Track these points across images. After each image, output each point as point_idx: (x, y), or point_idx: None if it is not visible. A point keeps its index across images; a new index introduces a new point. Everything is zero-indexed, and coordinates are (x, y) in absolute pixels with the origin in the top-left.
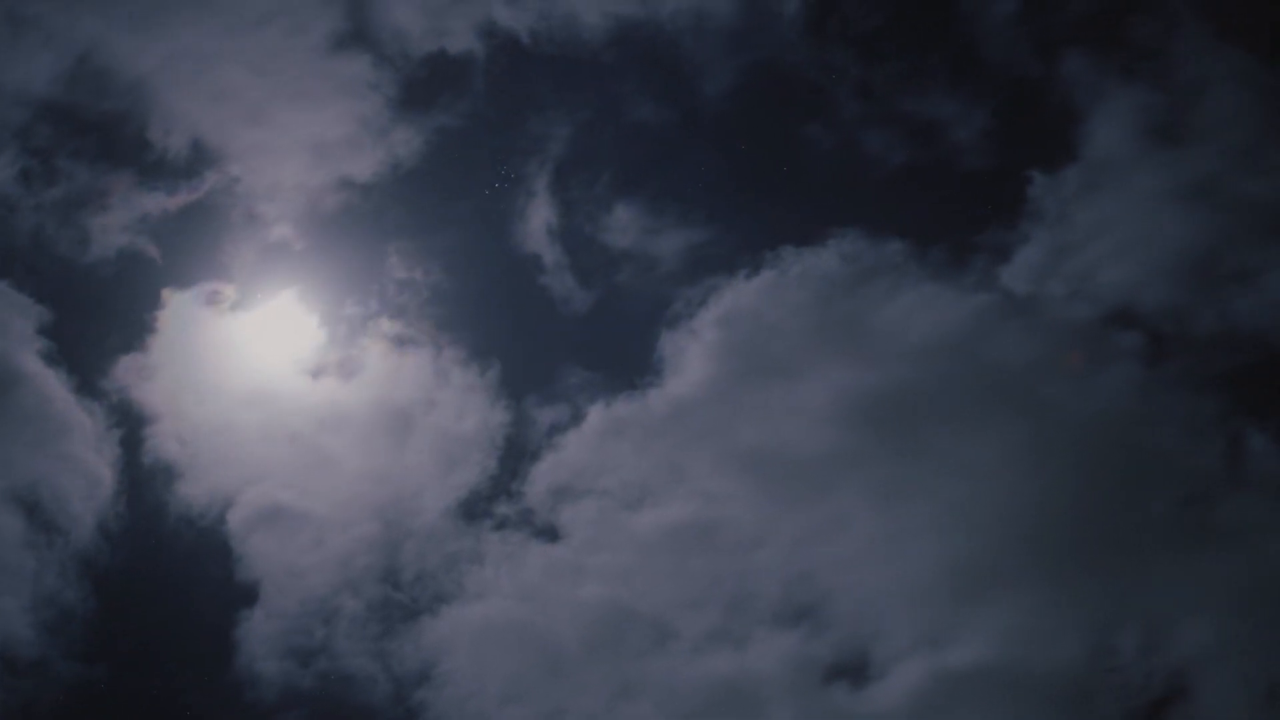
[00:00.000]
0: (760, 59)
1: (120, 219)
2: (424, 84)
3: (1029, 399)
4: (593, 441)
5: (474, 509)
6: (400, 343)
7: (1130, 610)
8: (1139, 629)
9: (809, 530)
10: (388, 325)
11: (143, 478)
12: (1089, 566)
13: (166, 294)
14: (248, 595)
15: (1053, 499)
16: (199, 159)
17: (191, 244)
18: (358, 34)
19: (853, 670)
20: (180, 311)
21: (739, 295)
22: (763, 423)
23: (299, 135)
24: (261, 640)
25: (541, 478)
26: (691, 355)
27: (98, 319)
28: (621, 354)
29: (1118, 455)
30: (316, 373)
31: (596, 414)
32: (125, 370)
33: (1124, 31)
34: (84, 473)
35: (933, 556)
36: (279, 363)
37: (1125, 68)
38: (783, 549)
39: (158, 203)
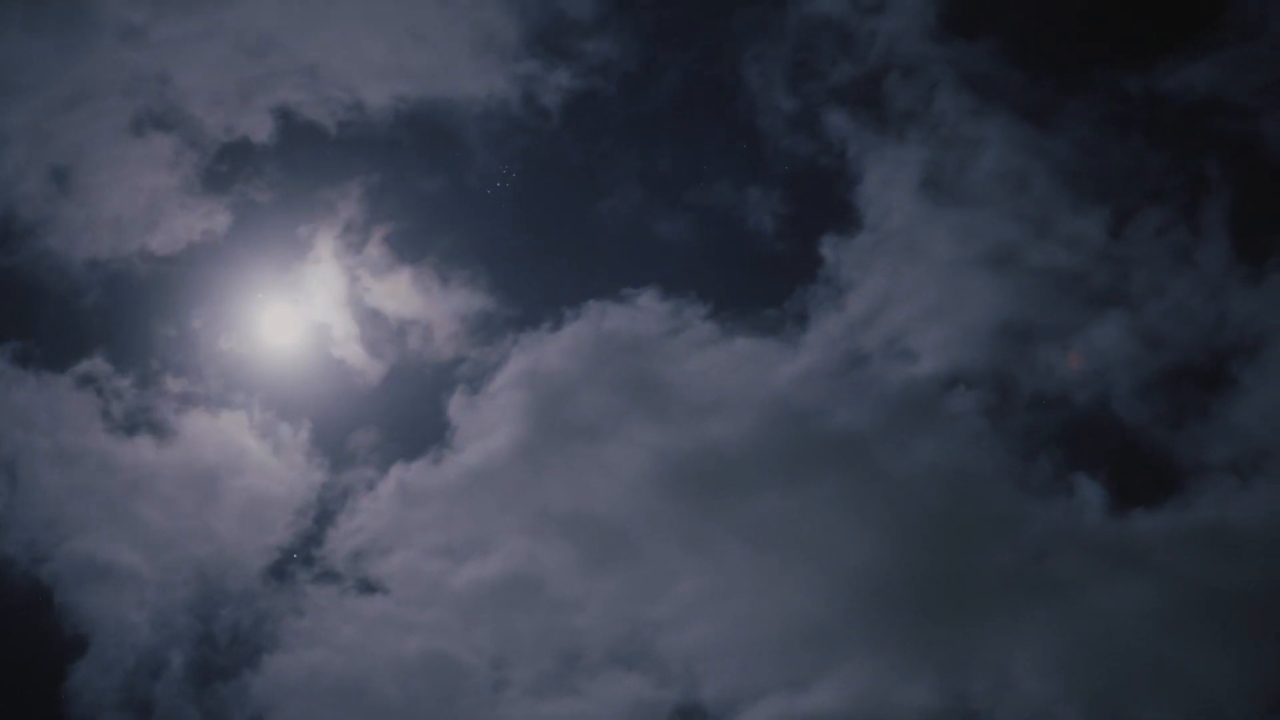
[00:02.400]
0: (535, 145)
1: None
2: (222, 162)
3: (858, 458)
4: (401, 501)
5: (291, 565)
6: (209, 406)
7: (978, 661)
8: (987, 679)
9: (634, 587)
10: (191, 388)
11: None
12: (934, 619)
13: None
14: (74, 649)
15: (885, 555)
16: (11, 227)
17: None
18: (161, 118)
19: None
20: None
21: (537, 356)
22: (570, 481)
23: (108, 207)
24: (91, 693)
25: (352, 536)
26: (490, 415)
27: None
28: (418, 417)
29: (949, 511)
30: (129, 433)
31: (399, 475)
32: None
33: (886, 98)
34: None
35: (768, 611)
36: (91, 423)
37: (897, 132)
38: (608, 604)
39: None
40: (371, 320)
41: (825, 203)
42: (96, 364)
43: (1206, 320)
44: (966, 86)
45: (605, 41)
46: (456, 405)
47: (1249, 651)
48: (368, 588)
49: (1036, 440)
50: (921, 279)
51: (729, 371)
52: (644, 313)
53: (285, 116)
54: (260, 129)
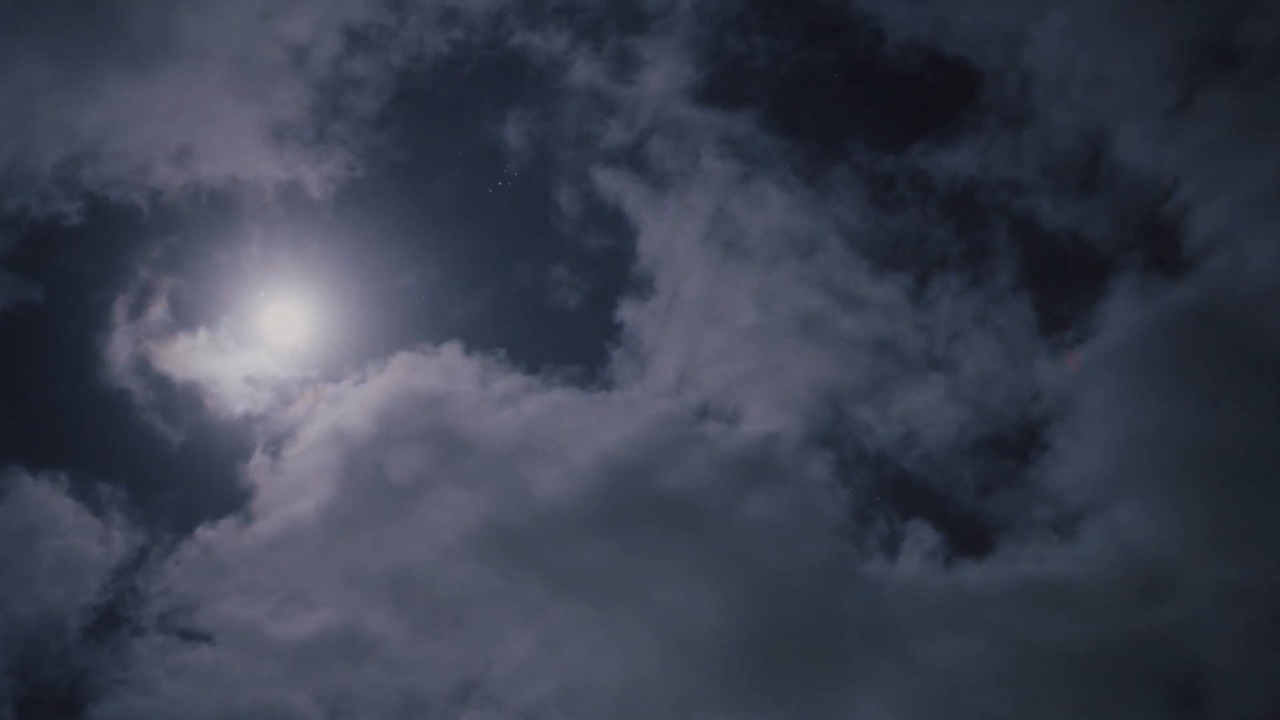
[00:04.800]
0: (318, 226)
1: None
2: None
3: (682, 515)
4: (211, 561)
5: (110, 622)
6: (25, 468)
7: (816, 714)
8: None
9: (465, 643)
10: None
11: None
12: (771, 672)
13: None
14: None
15: (718, 610)
16: None
17: None
18: None
19: None
20: None
21: (341, 413)
22: (388, 538)
23: None
24: None
25: (164, 596)
26: (295, 474)
27: None
28: (223, 478)
29: (780, 567)
30: None
31: (207, 535)
32: None
33: (656, 161)
34: None
35: (605, 667)
36: None
37: (677, 194)
38: (441, 660)
39: None
40: (170, 384)
41: (615, 267)
42: None
43: (1016, 386)
44: (732, 153)
45: (385, 134)
46: (260, 465)
47: (1075, 704)
48: (192, 641)
49: (863, 499)
50: (728, 342)
51: (543, 426)
52: (449, 367)
53: (82, 194)
54: (57, 205)
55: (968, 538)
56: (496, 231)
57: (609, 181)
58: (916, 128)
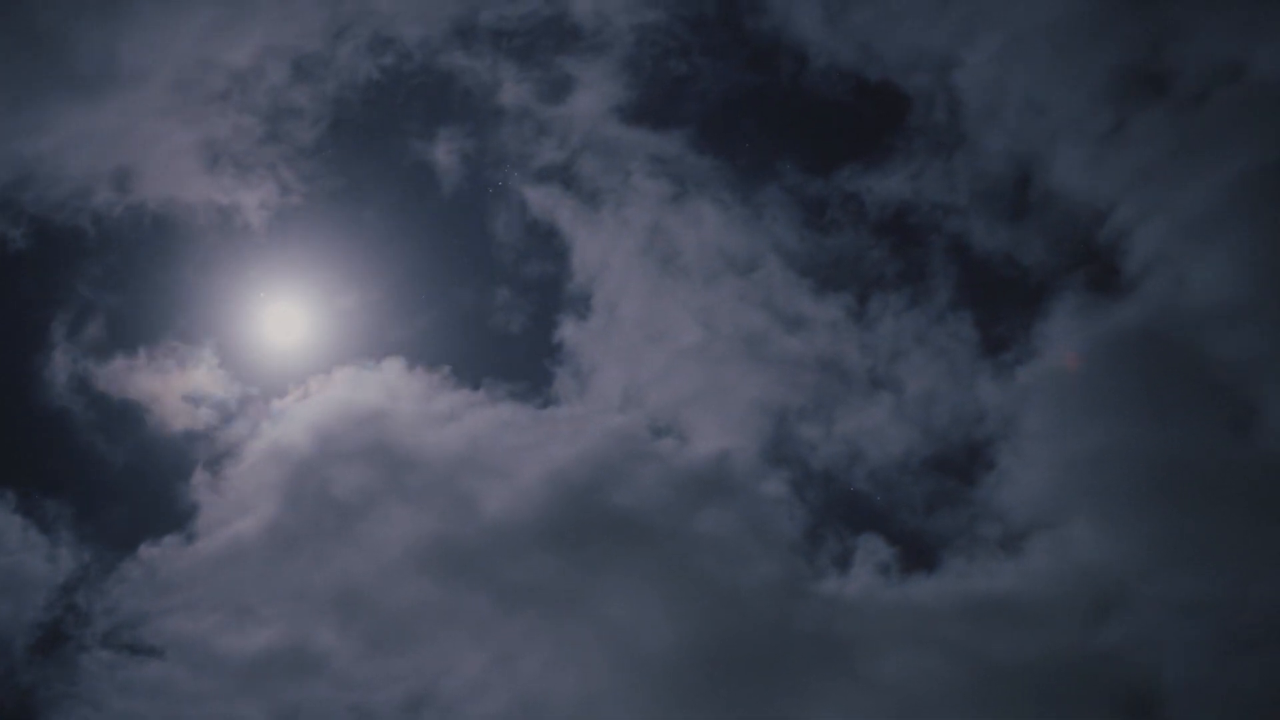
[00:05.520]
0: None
1: None
2: None
3: (633, 532)
4: (156, 578)
5: (55, 639)
6: None
7: None
8: None
9: (417, 659)
10: None
11: None
12: (726, 687)
13: None
14: None
15: (670, 626)
16: None
17: None
18: None
19: None
20: None
21: (283, 430)
22: (328, 556)
23: None
24: None
25: (111, 613)
26: (240, 491)
27: None
28: (166, 496)
29: (733, 583)
30: None
31: (151, 552)
32: None
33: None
34: None
35: (558, 684)
36: None
37: (612, 213)
38: (393, 676)
39: None
40: (111, 403)
41: (554, 286)
42: None
43: (960, 406)
44: (664, 173)
45: (321, 159)
46: (202, 483)
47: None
48: (141, 656)
49: (812, 516)
50: (671, 359)
51: (488, 442)
52: (391, 384)
53: (27, 218)
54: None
55: (916, 555)
56: (434, 252)
57: (543, 201)
58: (847, 151)
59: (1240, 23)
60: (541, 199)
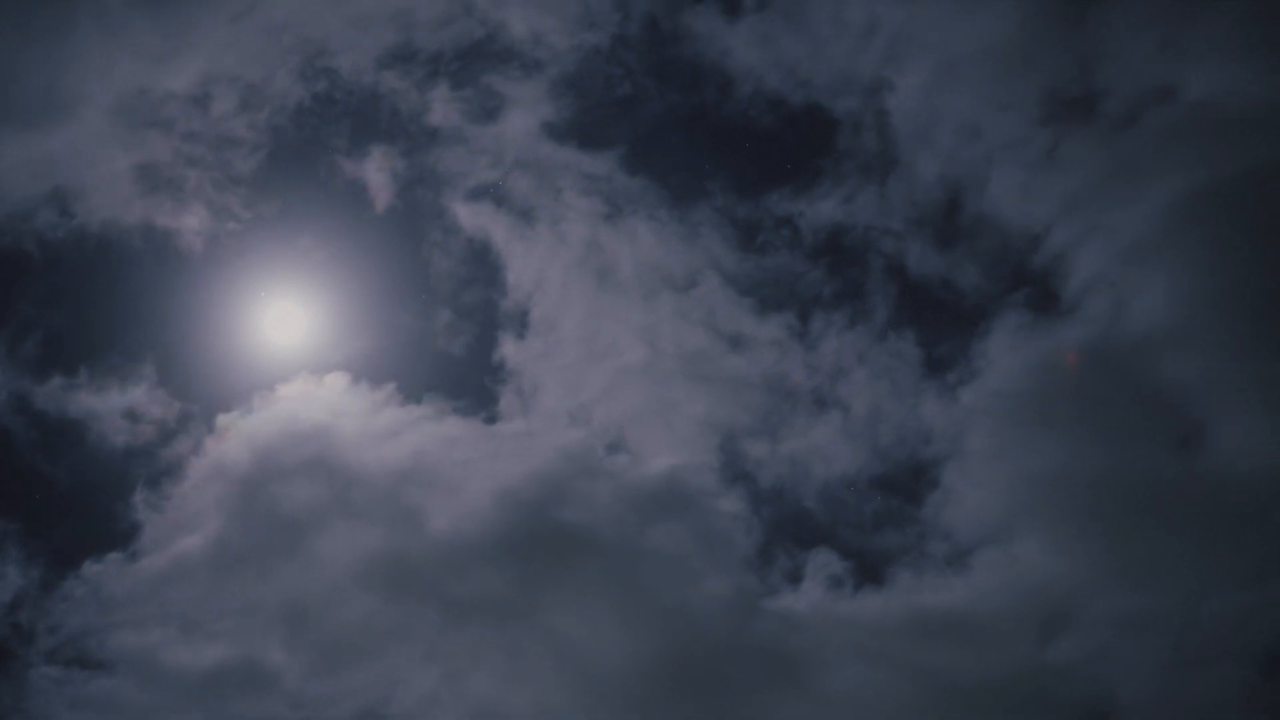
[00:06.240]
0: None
1: None
2: None
3: (584, 549)
4: (102, 595)
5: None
6: None
7: None
8: None
9: (368, 676)
10: None
11: None
12: (677, 704)
13: None
14: None
15: (621, 642)
16: None
17: None
18: None
19: None
20: None
21: (226, 447)
22: (276, 573)
23: None
24: None
25: (59, 630)
26: (185, 508)
27: None
28: (110, 512)
29: (684, 599)
30: None
31: (95, 569)
32: None
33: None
34: None
35: (511, 701)
36: None
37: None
38: (337, 695)
39: None
40: (51, 421)
41: (495, 305)
42: None
43: (904, 426)
44: (595, 191)
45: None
46: (145, 500)
47: None
48: (90, 672)
49: (760, 534)
50: (614, 377)
51: (435, 458)
52: (336, 399)
53: None
54: None
55: (865, 572)
56: (372, 272)
57: (477, 220)
58: (779, 174)
59: (1170, 46)
60: (475, 217)
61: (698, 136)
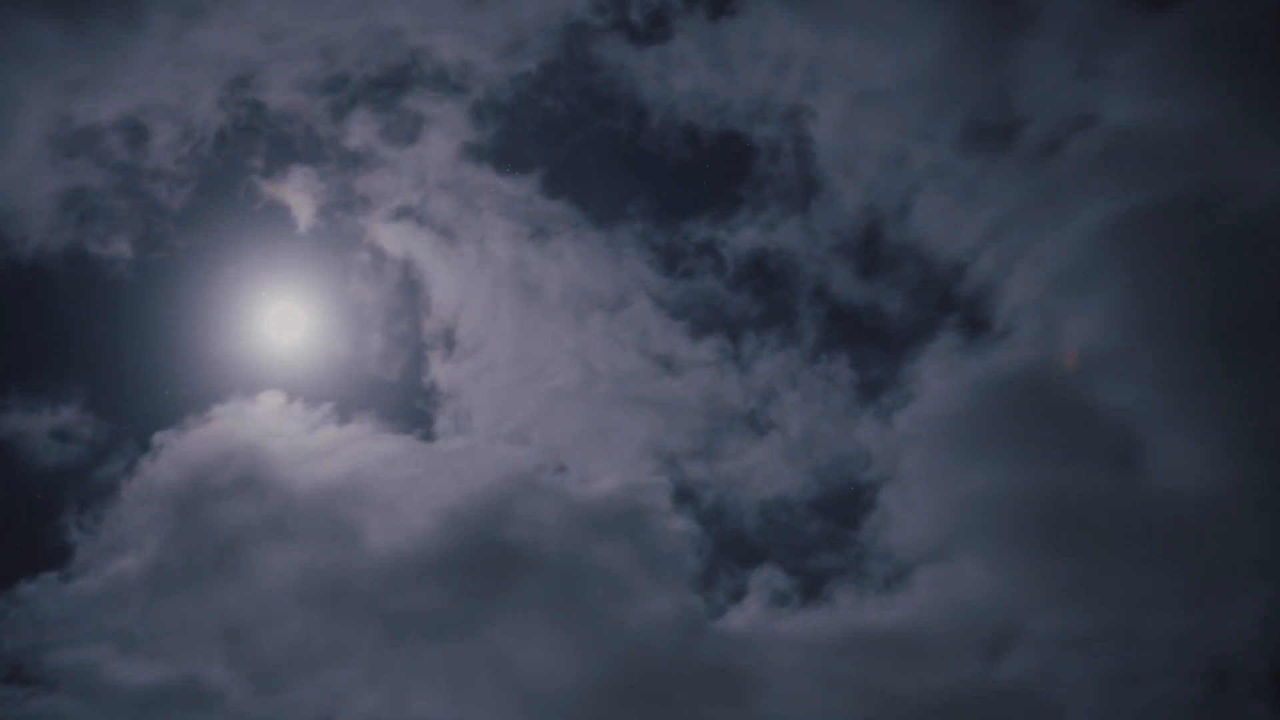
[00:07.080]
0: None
1: None
2: None
3: (525, 567)
4: (38, 616)
5: None
6: None
7: None
8: None
9: (315, 695)
10: None
11: None
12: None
13: None
14: None
15: (562, 660)
16: None
17: None
18: None
19: None
20: None
21: (160, 466)
22: (214, 592)
23: None
24: None
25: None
26: (120, 528)
27: None
28: (40, 534)
29: (626, 619)
30: None
31: (26, 590)
32: None
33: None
34: None
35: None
36: None
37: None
38: (279, 713)
39: None
40: None
41: (423, 326)
42: None
43: (840, 448)
44: (516, 214)
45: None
46: (76, 520)
47: None
48: (32, 689)
49: (700, 554)
50: (548, 398)
51: (372, 477)
52: (271, 418)
53: None
54: None
55: (806, 591)
56: (299, 293)
57: (400, 240)
58: (699, 200)
59: (1089, 73)
60: (397, 238)
61: (617, 162)
